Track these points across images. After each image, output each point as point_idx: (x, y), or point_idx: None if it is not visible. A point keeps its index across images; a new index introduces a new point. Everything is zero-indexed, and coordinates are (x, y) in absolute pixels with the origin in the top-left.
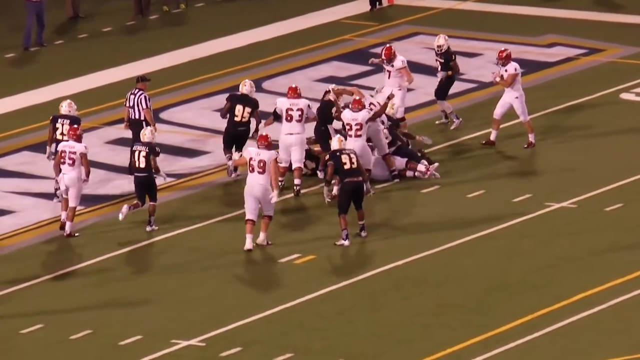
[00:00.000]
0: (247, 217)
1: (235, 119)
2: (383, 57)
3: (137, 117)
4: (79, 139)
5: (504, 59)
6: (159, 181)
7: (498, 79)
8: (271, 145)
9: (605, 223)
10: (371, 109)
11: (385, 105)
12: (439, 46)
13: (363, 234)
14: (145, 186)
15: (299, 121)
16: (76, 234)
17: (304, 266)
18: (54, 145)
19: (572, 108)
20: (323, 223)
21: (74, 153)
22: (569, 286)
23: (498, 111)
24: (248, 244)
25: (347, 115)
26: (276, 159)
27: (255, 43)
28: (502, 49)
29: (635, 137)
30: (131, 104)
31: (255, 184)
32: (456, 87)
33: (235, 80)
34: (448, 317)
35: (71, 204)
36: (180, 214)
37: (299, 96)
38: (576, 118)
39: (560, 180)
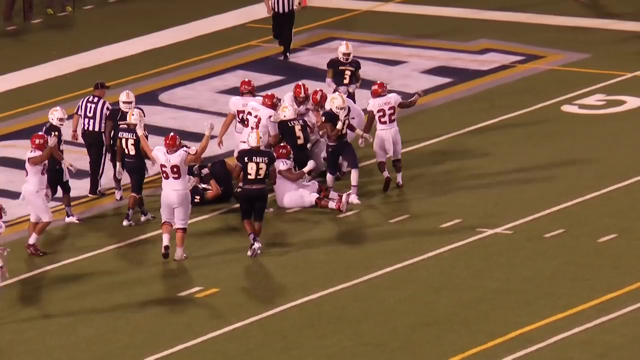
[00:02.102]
0: (164, 220)
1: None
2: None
3: (94, 128)
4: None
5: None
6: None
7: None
8: (180, 145)
9: (544, 251)
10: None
11: (414, 101)
12: (346, 54)
13: (256, 244)
14: (135, 173)
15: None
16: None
17: (206, 300)
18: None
19: (508, 122)
20: (227, 246)
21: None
22: (504, 322)
23: None
24: (165, 242)
25: (376, 101)
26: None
27: (151, 50)
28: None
29: (578, 154)
30: (90, 114)
31: (170, 192)
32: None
33: (121, 91)
34: (368, 358)
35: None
36: (65, 243)
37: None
38: (512, 133)
39: (495, 203)
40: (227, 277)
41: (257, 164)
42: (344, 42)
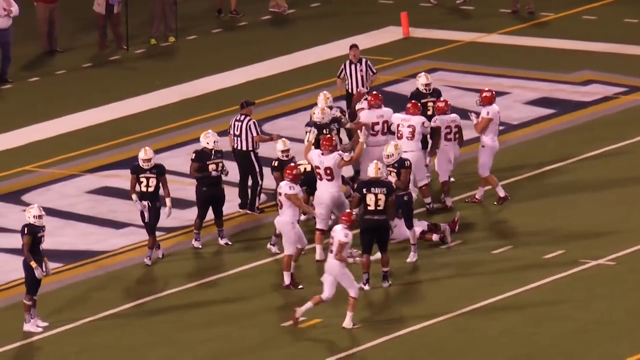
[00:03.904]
0: (317, 227)
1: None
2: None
3: (243, 147)
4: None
5: (484, 100)
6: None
7: (474, 119)
8: (336, 147)
9: None
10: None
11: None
12: (426, 85)
13: (385, 284)
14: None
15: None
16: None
17: (309, 331)
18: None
19: (610, 153)
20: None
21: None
22: (606, 354)
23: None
24: (318, 255)
25: (444, 118)
26: (342, 158)
27: (255, 80)
28: (486, 88)
29: None
30: (237, 132)
31: (324, 192)
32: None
33: (222, 122)
34: None
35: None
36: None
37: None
38: (615, 164)
39: (597, 235)
40: (329, 308)
41: (376, 195)
42: (423, 73)
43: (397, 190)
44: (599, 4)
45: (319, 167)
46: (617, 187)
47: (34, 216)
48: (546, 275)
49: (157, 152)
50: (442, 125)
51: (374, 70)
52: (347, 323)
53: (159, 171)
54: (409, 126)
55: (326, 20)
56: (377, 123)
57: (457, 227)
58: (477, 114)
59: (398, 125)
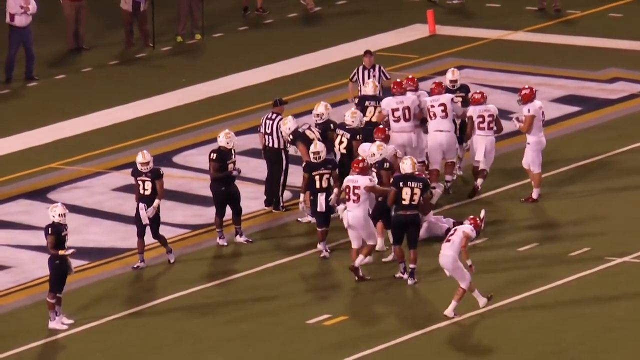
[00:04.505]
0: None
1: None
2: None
3: (275, 145)
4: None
5: (524, 98)
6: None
7: (517, 124)
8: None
9: None
10: None
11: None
12: (453, 81)
13: (411, 281)
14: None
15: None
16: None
17: (335, 328)
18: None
19: (637, 151)
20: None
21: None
22: (632, 351)
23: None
24: (380, 246)
25: (477, 108)
26: (396, 154)
27: (281, 78)
28: (525, 86)
29: None
30: (268, 130)
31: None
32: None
33: (257, 119)
34: None
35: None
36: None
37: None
38: None
39: (623, 232)
40: (355, 305)
41: (412, 189)
42: (452, 69)
43: (427, 190)
44: (625, 1)
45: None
46: None
47: (58, 215)
48: (572, 273)
49: (183, 149)
50: (474, 115)
51: (388, 76)
52: (449, 311)
53: (155, 175)
54: (440, 105)
55: (352, 17)
56: (397, 109)
57: (483, 225)
58: (518, 119)
59: (429, 108)
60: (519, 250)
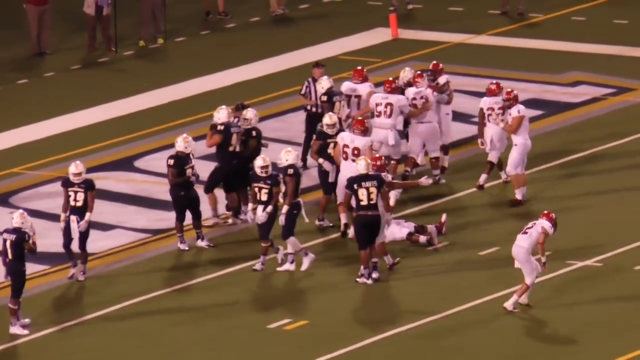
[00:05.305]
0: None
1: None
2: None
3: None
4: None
5: (515, 99)
6: None
7: (502, 124)
8: (367, 130)
9: (634, 283)
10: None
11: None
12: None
13: (375, 274)
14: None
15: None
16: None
17: (295, 333)
18: None
19: (599, 154)
20: (317, 279)
21: None
22: (595, 355)
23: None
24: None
25: (488, 100)
26: (371, 145)
27: (244, 82)
28: (509, 89)
29: None
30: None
31: (348, 173)
32: (464, 131)
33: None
34: None
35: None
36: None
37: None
38: (604, 165)
39: (585, 236)
40: (316, 309)
41: (367, 189)
42: (405, 68)
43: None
44: (588, 5)
45: (347, 146)
46: (605, 189)
47: (20, 222)
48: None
49: (146, 153)
50: (485, 106)
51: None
52: (509, 304)
53: (88, 186)
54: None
55: (315, 21)
56: (380, 104)
57: (444, 229)
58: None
59: (411, 102)
60: (480, 254)
